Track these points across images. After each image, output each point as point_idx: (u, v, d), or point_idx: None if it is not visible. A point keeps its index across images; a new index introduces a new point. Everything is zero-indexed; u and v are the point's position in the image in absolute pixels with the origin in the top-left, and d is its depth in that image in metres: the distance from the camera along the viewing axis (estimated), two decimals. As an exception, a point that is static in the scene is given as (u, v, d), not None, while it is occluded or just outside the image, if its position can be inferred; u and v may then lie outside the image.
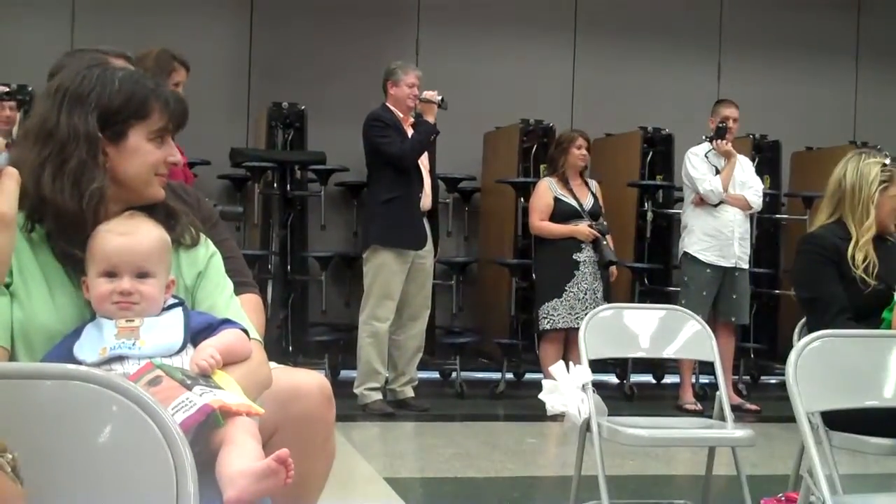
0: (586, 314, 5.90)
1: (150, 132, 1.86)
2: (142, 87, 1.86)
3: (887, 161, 3.51)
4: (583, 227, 6.25)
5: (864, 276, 3.31)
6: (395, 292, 5.97)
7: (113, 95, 1.83)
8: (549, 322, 6.24)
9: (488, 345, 7.23)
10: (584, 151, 6.38)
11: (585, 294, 6.20)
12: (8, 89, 5.41)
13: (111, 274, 1.79)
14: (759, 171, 7.17)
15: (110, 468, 1.47)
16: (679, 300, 6.32)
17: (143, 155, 1.85)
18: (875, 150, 3.63)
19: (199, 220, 2.09)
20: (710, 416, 3.71)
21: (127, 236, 1.81)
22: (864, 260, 3.33)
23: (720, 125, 6.40)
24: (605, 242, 6.23)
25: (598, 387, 3.68)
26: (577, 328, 3.67)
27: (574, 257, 6.23)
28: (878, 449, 3.01)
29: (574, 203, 6.31)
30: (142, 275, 1.80)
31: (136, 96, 1.84)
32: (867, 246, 3.37)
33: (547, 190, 6.38)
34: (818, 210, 3.64)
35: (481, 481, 4.67)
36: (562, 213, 6.32)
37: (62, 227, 1.80)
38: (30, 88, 6.04)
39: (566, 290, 6.21)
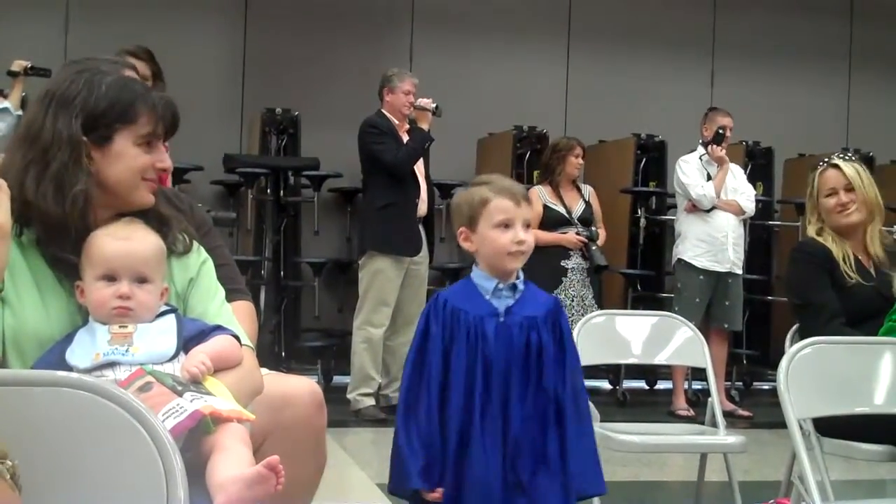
0: (573, 321, 6.00)
1: (138, 137, 1.85)
2: (129, 92, 1.85)
3: (820, 165, 3.49)
4: (570, 235, 6.26)
5: (849, 273, 3.31)
6: (390, 298, 5.97)
7: (98, 100, 1.82)
8: None
9: (481, 351, 7.22)
10: (580, 160, 6.40)
11: (573, 301, 6.20)
12: (32, 64, 5.40)
13: (110, 278, 1.79)
14: (752, 178, 7.19)
15: (101, 474, 1.47)
16: (672, 307, 6.32)
17: (128, 160, 1.84)
18: (846, 153, 3.63)
19: (193, 227, 2.09)
20: (703, 422, 3.72)
21: (127, 241, 1.81)
22: (844, 261, 3.34)
23: (719, 131, 6.40)
24: (594, 248, 6.23)
25: (591, 393, 3.67)
26: (570, 334, 3.67)
27: (562, 264, 6.24)
28: (869, 455, 3.02)
29: (563, 210, 6.32)
30: (140, 280, 1.81)
31: (122, 101, 1.84)
32: (844, 249, 3.37)
33: (537, 198, 6.38)
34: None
35: (474, 487, 4.66)
36: (551, 220, 6.33)
37: (49, 231, 1.80)
38: (23, 94, 6.04)
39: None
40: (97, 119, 1.82)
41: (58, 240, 1.80)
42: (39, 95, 1.87)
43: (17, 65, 5.49)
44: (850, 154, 3.58)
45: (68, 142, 1.80)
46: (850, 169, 3.41)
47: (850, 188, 3.39)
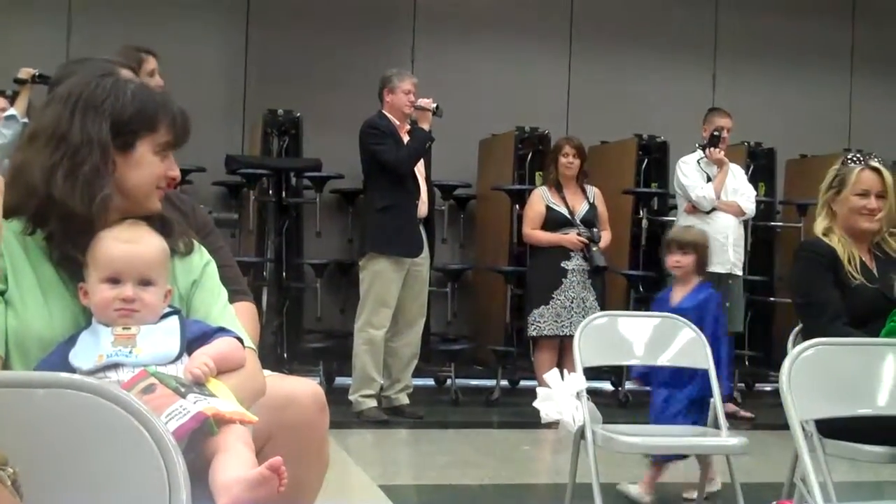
0: (572, 322, 6.02)
1: (157, 145, 1.88)
2: (152, 101, 1.88)
3: (850, 162, 3.49)
4: (570, 236, 6.27)
5: (853, 274, 3.31)
6: (391, 300, 5.97)
7: (125, 106, 1.85)
8: (535, 329, 6.28)
9: (483, 352, 7.23)
10: (570, 159, 6.39)
11: (572, 302, 6.22)
12: (40, 72, 5.40)
13: (114, 280, 1.80)
14: (754, 179, 7.18)
15: (103, 476, 1.47)
16: (673, 308, 6.31)
17: (147, 167, 1.87)
18: (864, 154, 3.61)
19: (194, 229, 2.10)
20: (705, 424, 3.72)
21: (132, 244, 1.82)
22: (849, 262, 3.34)
23: (714, 133, 6.41)
24: (595, 249, 6.25)
25: (593, 394, 3.68)
26: (571, 336, 3.68)
27: (562, 265, 6.26)
28: (871, 457, 3.02)
29: (565, 211, 6.33)
30: (144, 282, 1.81)
31: (147, 109, 1.86)
32: (849, 249, 3.37)
33: (539, 199, 6.41)
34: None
35: (476, 489, 4.67)
36: (553, 221, 6.34)
37: (67, 229, 1.80)
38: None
39: (553, 298, 6.23)
40: (123, 125, 1.84)
41: (74, 238, 1.81)
42: (60, 95, 1.88)
43: (25, 72, 5.49)
44: (881, 159, 3.55)
45: (99, 144, 1.81)
46: (890, 177, 3.42)
47: (882, 195, 3.39)
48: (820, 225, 3.47)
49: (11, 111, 5.43)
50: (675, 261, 4.27)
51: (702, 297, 4.20)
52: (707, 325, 3.96)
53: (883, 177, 3.41)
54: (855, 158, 3.48)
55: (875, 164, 3.44)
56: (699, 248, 4.30)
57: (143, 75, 3.47)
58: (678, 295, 4.25)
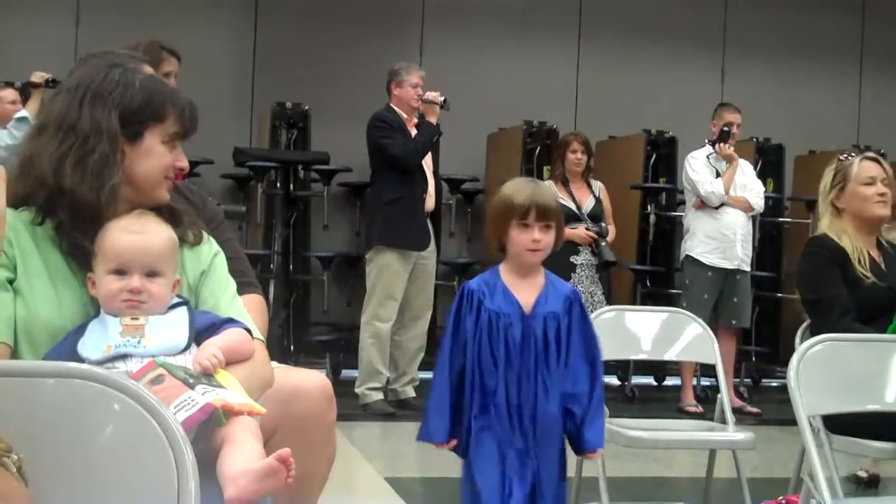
0: (581, 317, 6.00)
1: (165, 135, 1.88)
2: (160, 92, 1.89)
3: (843, 158, 3.52)
4: (580, 231, 6.26)
5: (865, 273, 3.31)
6: (397, 293, 5.97)
7: (134, 96, 1.86)
8: None
9: (490, 346, 7.22)
10: (578, 155, 6.39)
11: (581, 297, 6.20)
12: (52, 77, 5.42)
13: (121, 271, 1.80)
14: (763, 175, 7.17)
15: (112, 466, 1.47)
16: (680, 303, 6.31)
17: (156, 157, 1.88)
18: (857, 150, 3.64)
19: (204, 220, 2.10)
20: (712, 419, 3.71)
21: (139, 235, 1.82)
22: (859, 262, 3.34)
23: (724, 129, 6.40)
24: (603, 244, 6.24)
25: (599, 388, 3.67)
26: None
27: (571, 260, 6.24)
28: (878, 453, 3.01)
29: (572, 206, 6.33)
30: (151, 274, 1.81)
31: (155, 99, 1.87)
32: (858, 245, 3.37)
33: (545, 194, 6.39)
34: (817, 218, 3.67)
35: (482, 482, 4.66)
36: None
37: (77, 218, 1.81)
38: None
39: None
40: (132, 115, 1.85)
41: (83, 227, 1.82)
42: (68, 86, 1.89)
43: (38, 76, 5.52)
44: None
45: (108, 133, 1.82)
46: (888, 166, 3.47)
47: (886, 182, 3.43)
48: (826, 226, 3.47)
49: (23, 112, 5.45)
50: (534, 240, 2.66)
51: (566, 296, 2.76)
52: (575, 340, 2.72)
53: (882, 165, 3.46)
54: (849, 155, 3.52)
55: (871, 154, 3.50)
56: (560, 223, 2.74)
57: (158, 74, 3.44)
58: (529, 293, 2.71)
